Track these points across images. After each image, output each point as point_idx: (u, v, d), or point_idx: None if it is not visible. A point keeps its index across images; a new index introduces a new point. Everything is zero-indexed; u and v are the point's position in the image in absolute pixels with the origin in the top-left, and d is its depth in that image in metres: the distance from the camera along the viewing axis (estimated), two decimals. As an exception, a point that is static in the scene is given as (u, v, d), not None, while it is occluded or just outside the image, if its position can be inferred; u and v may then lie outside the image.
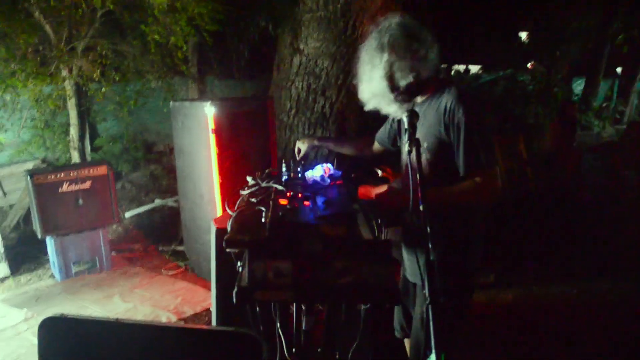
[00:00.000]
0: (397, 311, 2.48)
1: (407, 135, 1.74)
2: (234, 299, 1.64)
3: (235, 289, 1.63)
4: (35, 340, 2.57)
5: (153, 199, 5.91)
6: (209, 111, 3.79)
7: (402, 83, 1.98)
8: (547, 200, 6.55)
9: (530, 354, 3.31)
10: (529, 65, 15.55)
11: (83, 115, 6.13)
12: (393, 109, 2.08)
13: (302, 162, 2.40)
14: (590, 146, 9.00)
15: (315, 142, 2.63)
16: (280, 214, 1.68)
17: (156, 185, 6.65)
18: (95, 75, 5.06)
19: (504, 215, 5.37)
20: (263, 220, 1.74)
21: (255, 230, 1.70)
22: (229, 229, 1.79)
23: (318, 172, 2.13)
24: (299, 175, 2.21)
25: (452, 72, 13.24)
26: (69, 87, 5.31)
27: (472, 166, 1.94)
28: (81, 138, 6.00)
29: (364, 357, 2.95)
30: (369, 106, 2.17)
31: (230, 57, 7.22)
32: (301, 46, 5.58)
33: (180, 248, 4.90)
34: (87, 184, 4.34)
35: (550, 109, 11.51)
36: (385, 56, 1.98)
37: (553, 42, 15.17)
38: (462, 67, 13.78)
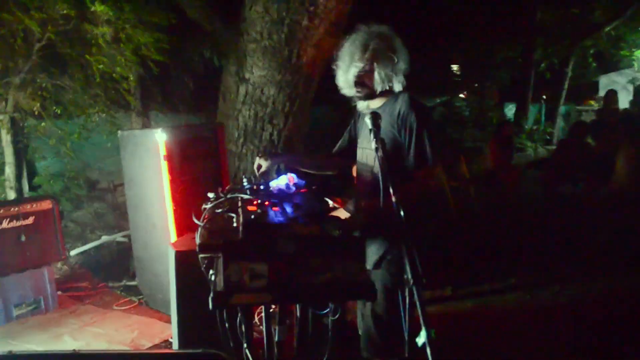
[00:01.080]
0: (360, 305, 2.53)
1: (372, 135, 1.81)
2: (210, 305, 1.61)
3: (211, 295, 1.60)
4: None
5: (99, 236, 5.68)
6: (160, 138, 3.74)
7: (378, 76, 2.24)
8: (490, 216, 6.85)
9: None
10: (461, 95, 16.40)
11: (20, 153, 5.87)
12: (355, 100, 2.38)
13: (263, 178, 2.41)
14: (528, 162, 9.50)
15: (275, 159, 2.63)
16: (252, 216, 1.68)
17: (101, 222, 6.42)
18: (35, 109, 4.88)
19: (452, 231, 5.57)
20: (235, 225, 1.73)
21: (227, 234, 1.68)
22: (198, 237, 1.76)
23: (283, 181, 2.15)
24: (263, 186, 2.22)
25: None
26: (4, 122, 5.10)
27: (420, 165, 2.17)
28: (18, 177, 5.73)
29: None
30: (342, 91, 2.42)
31: (174, 90, 7.19)
32: (247, 75, 5.64)
33: (132, 283, 4.72)
34: (30, 220, 4.13)
35: (486, 132, 12.17)
36: (365, 57, 2.22)
37: (482, 72, 16.09)
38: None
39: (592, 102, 17.48)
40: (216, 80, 6.60)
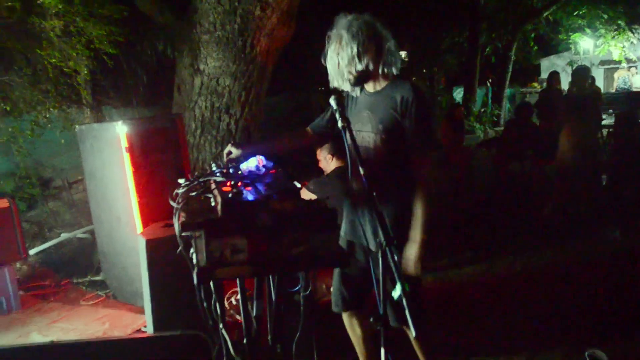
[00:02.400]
0: (337, 282, 2.58)
1: (337, 114, 1.92)
2: (195, 280, 1.69)
3: (196, 270, 1.68)
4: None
5: (58, 234, 5.58)
6: (120, 130, 3.73)
7: (363, 66, 2.26)
8: (444, 195, 7.12)
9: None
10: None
11: (-35, 153, 5.70)
12: (346, 87, 2.38)
13: (230, 163, 2.46)
14: (478, 142, 9.87)
15: (247, 148, 2.67)
16: (229, 195, 1.77)
17: (58, 220, 6.28)
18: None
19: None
20: (212, 204, 1.81)
21: (207, 213, 1.76)
22: (177, 218, 1.83)
23: (253, 163, 2.23)
24: (233, 169, 2.29)
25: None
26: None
27: (420, 149, 2.26)
28: (-34, 179, 5.57)
29: (306, 348, 3.06)
30: (331, 82, 2.42)
31: (127, 84, 7.07)
32: (201, 67, 5.64)
33: (97, 278, 4.68)
34: (-12, 220, 4.05)
35: (437, 116, 12.52)
36: (350, 42, 2.24)
37: (430, 58, 16.49)
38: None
39: (535, 84, 18.29)
40: (170, 73, 6.56)
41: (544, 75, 20.11)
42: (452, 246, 5.15)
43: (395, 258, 1.46)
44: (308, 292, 2.76)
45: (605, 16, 13.48)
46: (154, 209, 3.97)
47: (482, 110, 15.03)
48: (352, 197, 2.39)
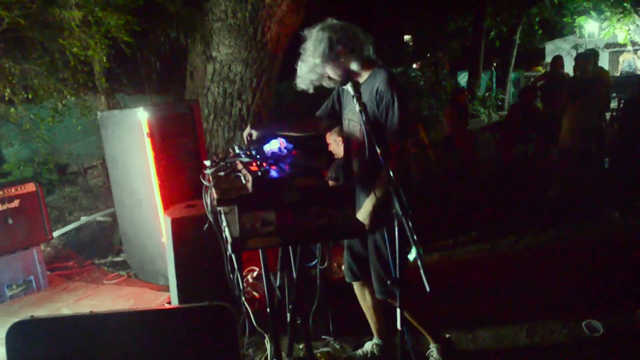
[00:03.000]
0: (346, 257, 2.83)
1: (355, 100, 2.10)
2: (230, 249, 1.88)
3: (230, 240, 1.88)
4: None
5: (78, 217, 5.80)
6: (142, 116, 3.92)
7: (334, 70, 2.50)
8: (450, 177, 7.31)
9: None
10: (414, 65, 16.86)
11: (-14, 141, 5.90)
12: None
13: (253, 145, 2.64)
14: (481, 127, 10.02)
15: (265, 129, 2.87)
16: (258, 174, 1.96)
17: (76, 205, 6.50)
18: (6, 94, 4.93)
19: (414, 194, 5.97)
20: (243, 182, 2.00)
21: (237, 191, 1.95)
22: (209, 195, 2.01)
23: (275, 145, 2.41)
24: (257, 151, 2.48)
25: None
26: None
27: (396, 137, 2.42)
28: (-15, 165, 5.78)
29: (322, 320, 3.28)
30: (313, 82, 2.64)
31: (139, 72, 7.24)
32: (214, 54, 5.81)
33: (118, 259, 4.91)
34: (16, 203, 4.25)
35: (442, 100, 12.65)
36: (321, 59, 2.45)
37: (434, 42, 16.54)
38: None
39: (540, 68, 18.32)
40: (182, 60, 6.72)
41: (549, 59, 20.06)
42: (457, 227, 5.33)
43: (411, 225, 1.66)
44: (324, 266, 2.98)
45: (611, -1, 13.53)
46: (174, 191, 4.17)
47: (487, 94, 15.12)
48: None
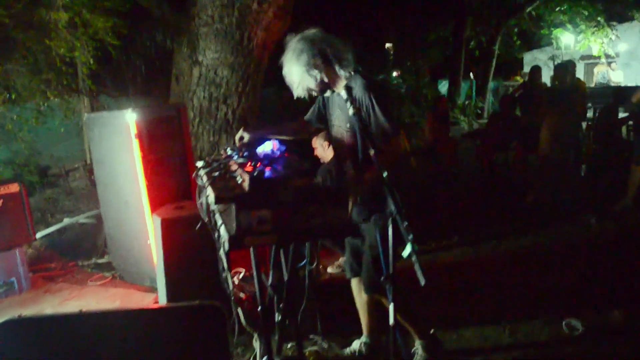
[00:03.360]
0: (347, 255, 2.93)
1: (348, 103, 2.16)
2: (227, 246, 1.92)
3: (227, 237, 1.92)
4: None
5: (60, 219, 5.75)
6: (130, 118, 3.93)
7: (315, 80, 2.55)
8: (431, 184, 7.44)
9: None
10: (395, 73, 17.06)
11: (-35, 141, 5.82)
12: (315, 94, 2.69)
13: (246, 147, 2.68)
14: (463, 134, 10.21)
15: (257, 132, 2.90)
16: (255, 173, 2.00)
17: (57, 207, 6.44)
18: (-11, 95, 4.90)
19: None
20: (240, 181, 2.04)
21: (235, 190, 2.00)
22: (205, 194, 2.04)
23: (268, 147, 2.46)
24: (248, 152, 2.52)
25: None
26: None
27: (385, 139, 2.46)
28: (-34, 165, 5.70)
29: (310, 319, 3.32)
30: (298, 93, 2.67)
31: (123, 75, 7.21)
32: (200, 58, 5.84)
33: (102, 260, 4.88)
34: (-1, 204, 4.22)
35: (422, 108, 12.83)
36: (303, 69, 2.51)
37: (415, 51, 16.78)
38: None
39: (518, 78, 18.66)
40: (166, 64, 6.72)
41: (527, 69, 20.51)
42: (440, 231, 5.43)
43: (405, 224, 1.72)
44: (314, 266, 3.03)
45: (586, 12, 13.90)
46: (161, 193, 4.18)
47: (466, 102, 15.38)
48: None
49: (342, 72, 2.57)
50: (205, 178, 2.32)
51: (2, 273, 4.27)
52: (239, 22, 5.65)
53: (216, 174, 2.30)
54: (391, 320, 1.97)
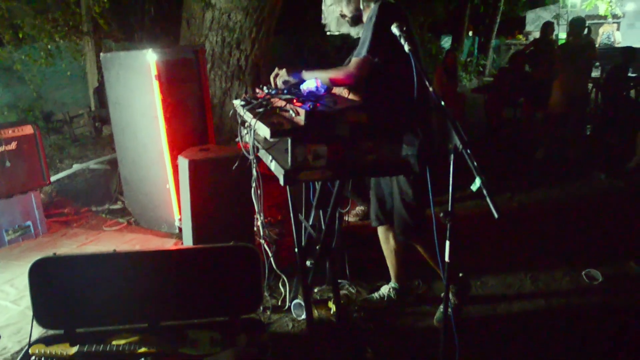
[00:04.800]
0: (373, 203, 2.89)
1: (402, 39, 2.08)
2: (282, 181, 1.88)
3: (283, 172, 1.88)
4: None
5: (69, 165, 5.67)
6: (151, 58, 3.80)
7: (345, 14, 2.61)
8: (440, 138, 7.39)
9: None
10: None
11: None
12: (345, 30, 2.69)
13: (285, 85, 2.60)
14: (472, 88, 10.11)
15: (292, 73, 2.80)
16: (310, 107, 1.94)
17: (64, 153, 6.33)
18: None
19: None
20: (293, 115, 1.98)
21: (291, 123, 1.94)
22: (265, 127, 1.96)
23: (312, 84, 2.39)
24: (290, 90, 2.45)
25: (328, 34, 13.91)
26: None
27: (357, 53, 2.38)
28: (-32, 109, 5.55)
29: (338, 263, 3.33)
30: (331, 26, 2.72)
31: (129, 18, 6.97)
32: (213, 1, 5.66)
33: (115, 207, 4.84)
34: (13, 145, 4.11)
35: (426, 62, 12.64)
36: None
37: (417, 4, 16.36)
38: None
39: (520, 36, 18.43)
40: (175, 7, 6.51)
41: (529, 27, 20.23)
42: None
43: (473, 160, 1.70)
44: (345, 210, 3.02)
45: (595, -31, 13.63)
46: (180, 136, 4.11)
47: (469, 59, 15.18)
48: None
49: (373, 4, 2.50)
50: (248, 114, 2.25)
51: (18, 216, 4.22)
52: (254, -36, 5.46)
53: (260, 110, 2.23)
54: (447, 258, 1.94)
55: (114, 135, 4.49)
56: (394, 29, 2.14)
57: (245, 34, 5.71)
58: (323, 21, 2.79)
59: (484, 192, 1.65)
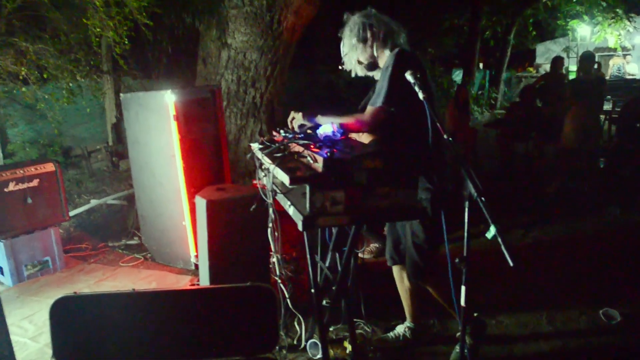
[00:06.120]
0: (388, 243, 2.92)
1: (417, 87, 2.15)
2: (301, 227, 1.93)
3: (301, 218, 1.93)
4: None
5: (88, 200, 5.77)
6: (169, 99, 3.92)
7: (362, 61, 2.69)
8: (452, 172, 7.41)
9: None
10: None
11: (-10, 120, 5.83)
12: (362, 73, 2.78)
13: (301, 129, 2.67)
14: (484, 123, 10.17)
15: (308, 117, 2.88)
16: (327, 154, 2.00)
17: (82, 188, 6.45)
18: (21, 73, 4.88)
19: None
20: (311, 162, 2.04)
21: (309, 170, 2.00)
22: (283, 173, 2.02)
23: (328, 129, 2.46)
24: (306, 135, 2.52)
25: (340, 69, 14.11)
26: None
27: (373, 102, 2.45)
28: (-8, 144, 5.71)
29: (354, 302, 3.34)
30: (349, 67, 2.79)
31: (147, 55, 7.18)
32: (229, 40, 5.82)
33: (132, 242, 4.90)
34: (35, 182, 4.22)
35: (438, 97, 12.78)
36: (354, 41, 2.66)
37: (429, 39, 16.63)
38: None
39: (531, 69, 18.58)
40: (192, 46, 6.70)
41: (540, 60, 20.43)
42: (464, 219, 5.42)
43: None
44: (362, 250, 3.05)
45: (604, 4, 13.76)
46: (196, 174, 4.20)
47: (480, 92, 15.30)
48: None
49: (387, 50, 2.62)
50: (266, 159, 2.32)
51: (37, 251, 4.30)
52: (269, 4, 5.62)
53: (278, 154, 2.30)
54: (462, 302, 1.96)
55: (132, 172, 4.59)
56: (409, 77, 2.21)
57: (261, 72, 5.85)
58: (346, 67, 2.85)
59: (499, 240, 1.68)
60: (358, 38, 2.64)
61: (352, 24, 2.68)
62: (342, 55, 2.78)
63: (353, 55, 2.71)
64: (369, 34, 2.63)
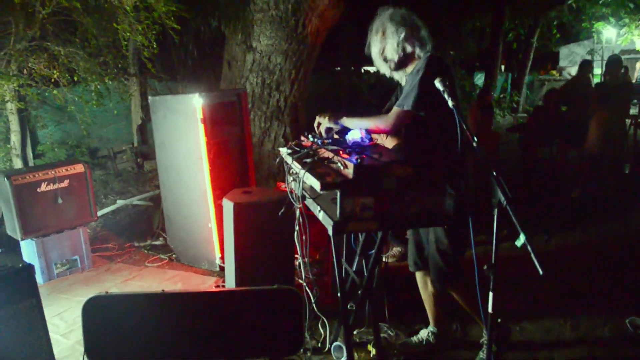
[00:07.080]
0: (411, 249, 2.93)
1: (446, 94, 2.16)
2: (331, 232, 1.97)
3: (332, 223, 1.96)
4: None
5: (114, 200, 5.89)
6: (197, 102, 4.00)
7: (390, 58, 2.63)
8: (475, 177, 7.37)
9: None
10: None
11: (23, 121, 5.95)
12: (386, 72, 2.74)
13: (328, 133, 2.71)
14: (507, 127, 10.09)
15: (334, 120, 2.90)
16: (358, 160, 2.04)
17: (108, 189, 6.59)
18: (54, 76, 5.01)
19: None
20: (341, 168, 2.07)
21: (339, 176, 2.03)
22: (314, 179, 2.05)
23: (357, 135, 2.49)
24: (334, 140, 2.55)
25: (363, 72, 14.14)
26: (9, 90, 5.14)
27: (400, 103, 2.46)
28: (23, 145, 5.83)
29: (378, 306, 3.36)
30: (377, 65, 2.76)
31: (172, 58, 7.30)
32: (254, 44, 5.88)
33: (157, 242, 4.99)
34: (66, 183, 4.34)
35: (461, 100, 12.71)
36: (394, 33, 2.60)
37: (450, 42, 16.53)
38: (373, 68, 14.77)
39: (554, 72, 18.35)
40: (216, 49, 6.79)
41: (563, 62, 20.18)
42: (486, 224, 5.40)
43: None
44: (388, 254, 3.07)
45: (631, 5, 13.51)
46: (222, 177, 4.27)
47: (502, 96, 15.17)
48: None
49: (418, 52, 2.61)
50: (296, 164, 2.36)
51: (67, 251, 4.41)
52: (294, 8, 5.67)
53: (308, 160, 2.33)
54: (490, 309, 1.98)
55: (158, 174, 4.67)
56: (438, 84, 2.23)
57: (285, 76, 5.90)
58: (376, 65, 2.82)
59: (529, 248, 1.69)
60: (391, 36, 2.60)
61: (387, 19, 2.63)
62: (373, 55, 2.72)
63: (383, 53, 2.66)
64: (402, 34, 2.59)
